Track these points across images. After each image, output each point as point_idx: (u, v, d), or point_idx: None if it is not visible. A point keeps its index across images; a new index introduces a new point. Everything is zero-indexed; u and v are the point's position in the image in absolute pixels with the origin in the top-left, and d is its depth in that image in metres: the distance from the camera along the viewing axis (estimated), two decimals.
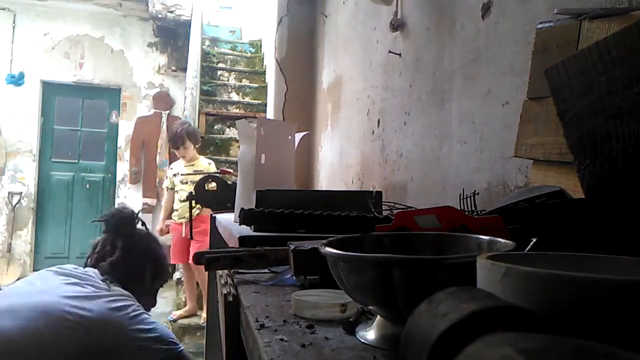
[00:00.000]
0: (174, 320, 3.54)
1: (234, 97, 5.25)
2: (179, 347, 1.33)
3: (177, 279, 3.90)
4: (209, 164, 3.56)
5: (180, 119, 5.27)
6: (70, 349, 1.14)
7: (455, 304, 0.29)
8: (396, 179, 2.00)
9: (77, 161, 6.28)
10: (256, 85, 5.36)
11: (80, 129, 6.38)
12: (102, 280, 1.31)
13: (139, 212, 1.46)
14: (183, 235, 3.45)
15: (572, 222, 0.60)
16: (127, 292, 1.33)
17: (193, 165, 3.50)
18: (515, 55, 1.24)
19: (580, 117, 0.62)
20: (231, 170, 2.89)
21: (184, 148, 3.47)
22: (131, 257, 1.39)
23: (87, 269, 1.37)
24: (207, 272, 1.50)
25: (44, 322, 1.14)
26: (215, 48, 6.07)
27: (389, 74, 2.12)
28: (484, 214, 0.75)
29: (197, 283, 3.61)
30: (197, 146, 3.61)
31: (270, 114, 4.07)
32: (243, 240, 0.97)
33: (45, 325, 1.14)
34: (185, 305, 3.70)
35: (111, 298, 1.26)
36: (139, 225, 1.48)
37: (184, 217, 3.36)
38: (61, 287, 1.24)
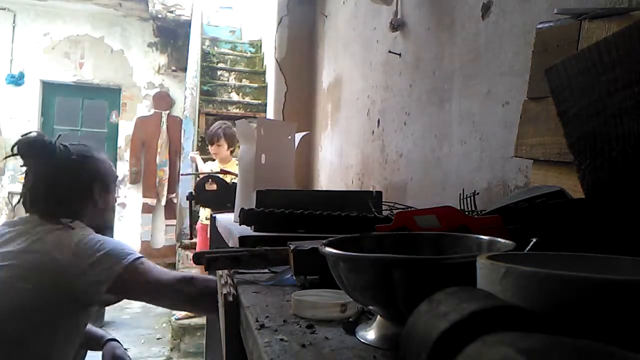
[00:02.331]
0: (178, 319, 3.54)
1: (234, 97, 5.25)
2: (134, 256, 1.18)
3: None
4: (236, 164, 3.56)
5: (180, 118, 5.28)
6: (18, 303, 1.07)
7: (455, 304, 0.29)
8: (396, 179, 2.00)
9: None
10: (256, 85, 5.36)
11: (80, 129, 6.38)
12: (39, 225, 1.18)
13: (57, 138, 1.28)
14: (208, 236, 3.48)
15: (572, 222, 0.60)
16: (66, 221, 1.19)
17: (226, 167, 3.52)
18: (515, 55, 1.24)
19: (580, 117, 0.62)
20: (231, 170, 2.89)
21: (217, 145, 3.54)
22: (62, 191, 1.23)
23: (25, 216, 1.24)
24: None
25: None
26: (215, 48, 6.07)
27: (389, 74, 2.12)
28: (484, 214, 0.75)
29: None
30: (231, 149, 3.65)
31: (270, 114, 4.07)
32: (243, 240, 0.97)
33: None
34: None
35: (49, 236, 1.14)
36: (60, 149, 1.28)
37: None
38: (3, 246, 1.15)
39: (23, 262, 1.10)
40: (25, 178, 1.27)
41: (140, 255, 1.21)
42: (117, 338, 1.45)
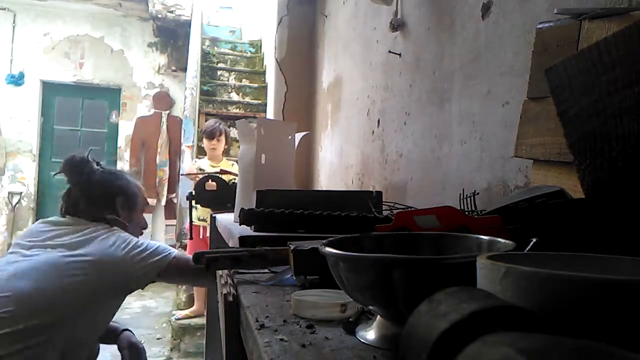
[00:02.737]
0: (179, 319, 3.54)
1: (234, 97, 5.25)
2: (172, 253, 1.42)
3: None
4: (232, 165, 3.57)
5: (180, 118, 5.27)
6: (84, 294, 1.26)
7: (455, 304, 0.29)
8: (396, 179, 2.00)
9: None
10: (256, 85, 5.36)
11: (80, 129, 6.38)
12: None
13: (88, 153, 1.49)
14: (201, 237, 3.47)
15: (572, 222, 0.60)
16: (107, 225, 1.42)
17: (219, 165, 3.52)
18: (515, 55, 1.24)
19: (580, 117, 0.62)
20: (231, 171, 2.89)
21: (217, 140, 3.58)
22: (94, 199, 1.45)
23: (66, 217, 1.44)
24: None
25: (53, 277, 1.23)
26: (215, 48, 6.07)
27: (389, 74, 2.12)
28: (484, 214, 0.75)
29: None
30: (226, 146, 3.70)
31: (270, 114, 4.07)
32: (243, 240, 0.97)
33: (55, 279, 1.23)
34: (185, 304, 3.70)
35: (102, 236, 1.35)
36: (95, 167, 1.50)
37: (205, 220, 3.39)
38: (52, 240, 1.33)
39: (81, 254, 1.29)
40: (67, 190, 1.50)
41: (173, 250, 1.45)
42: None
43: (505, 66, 1.28)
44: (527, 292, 0.30)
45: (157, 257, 1.39)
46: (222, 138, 3.59)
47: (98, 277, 1.29)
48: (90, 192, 1.45)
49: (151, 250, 1.40)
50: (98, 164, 1.51)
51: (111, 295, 1.36)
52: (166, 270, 1.39)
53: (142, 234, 1.58)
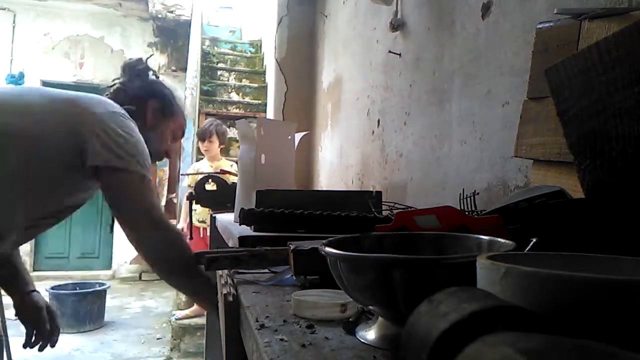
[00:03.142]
0: (179, 319, 3.54)
1: (234, 97, 5.25)
2: (146, 172, 1.15)
3: None
4: (231, 165, 3.57)
5: None
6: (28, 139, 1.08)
7: (455, 304, 0.29)
8: (396, 179, 2.00)
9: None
10: (256, 85, 5.36)
11: None
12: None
13: (147, 58, 1.44)
14: (201, 235, 3.48)
15: (572, 222, 0.60)
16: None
17: (217, 165, 3.53)
18: (515, 55, 1.24)
19: (580, 117, 0.62)
20: (231, 171, 2.89)
21: (209, 142, 3.58)
22: (132, 92, 1.34)
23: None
24: None
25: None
26: (215, 48, 6.07)
27: (389, 74, 2.12)
28: (484, 214, 0.75)
29: None
30: (222, 146, 3.70)
31: (270, 114, 4.07)
32: (243, 240, 0.97)
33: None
34: (185, 304, 3.70)
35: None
36: (149, 72, 1.43)
37: (204, 222, 3.40)
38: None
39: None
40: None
41: (149, 176, 1.16)
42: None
43: (505, 66, 1.28)
44: (527, 292, 0.30)
45: (122, 150, 1.11)
46: (214, 139, 3.59)
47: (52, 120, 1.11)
48: (132, 87, 1.35)
49: (134, 141, 1.14)
50: (154, 72, 1.43)
51: (57, 157, 1.11)
52: (109, 177, 1.12)
53: (160, 159, 1.40)
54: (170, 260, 1.14)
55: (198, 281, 1.15)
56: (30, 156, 1.09)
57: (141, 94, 1.35)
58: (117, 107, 1.21)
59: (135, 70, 1.41)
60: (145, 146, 1.19)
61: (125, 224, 1.14)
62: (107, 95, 1.34)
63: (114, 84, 1.40)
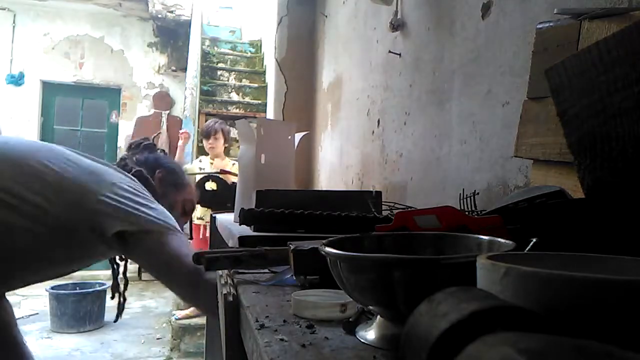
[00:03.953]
0: (179, 319, 3.54)
1: (234, 97, 5.25)
2: (173, 225, 1.15)
3: None
4: (233, 164, 3.58)
5: (180, 118, 5.28)
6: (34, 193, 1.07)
7: (455, 304, 0.29)
8: (396, 179, 2.00)
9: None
10: (256, 85, 5.36)
11: (80, 129, 6.38)
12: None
13: (154, 137, 1.45)
14: (201, 237, 3.48)
15: (572, 222, 0.60)
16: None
17: (222, 165, 3.54)
18: (515, 55, 1.24)
19: (580, 117, 0.62)
20: (232, 170, 2.89)
21: (214, 138, 3.60)
22: (139, 163, 1.34)
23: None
24: None
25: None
26: (215, 48, 6.07)
27: (389, 74, 2.12)
28: (484, 214, 0.75)
29: None
30: (226, 145, 3.72)
31: (270, 114, 4.07)
32: (243, 240, 0.97)
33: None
34: (185, 304, 3.70)
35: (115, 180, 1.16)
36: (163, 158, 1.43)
37: (202, 219, 3.40)
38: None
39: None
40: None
41: (180, 231, 1.17)
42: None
43: (505, 66, 1.28)
44: (527, 292, 0.30)
45: (152, 217, 1.11)
46: (219, 136, 3.62)
47: (55, 198, 1.08)
48: (141, 163, 1.34)
49: (151, 205, 1.13)
50: (162, 150, 1.45)
51: (62, 228, 1.10)
52: (135, 239, 1.11)
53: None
54: (208, 303, 1.09)
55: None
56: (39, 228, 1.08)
57: (148, 164, 1.35)
58: (124, 175, 1.21)
59: (141, 145, 1.42)
60: (166, 212, 1.20)
61: (164, 283, 1.18)
62: (114, 164, 1.31)
63: (121, 159, 1.37)
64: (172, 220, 1.17)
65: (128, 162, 1.32)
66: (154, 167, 1.35)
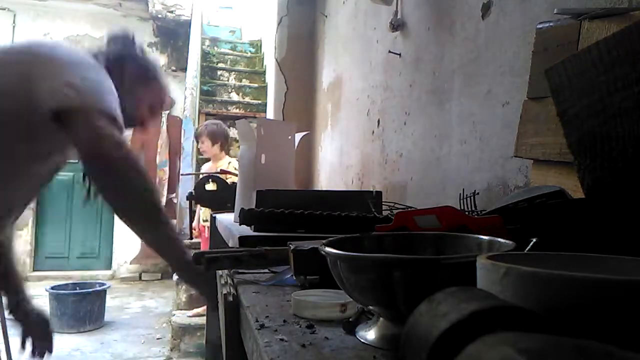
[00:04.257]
0: (190, 317, 3.56)
1: (234, 97, 5.25)
2: (110, 110, 1.03)
3: (177, 279, 3.90)
4: (229, 163, 3.57)
5: (180, 118, 5.28)
6: None
7: (455, 304, 0.29)
8: (396, 179, 2.00)
9: (77, 161, 6.27)
10: (256, 85, 5.36)
11: None
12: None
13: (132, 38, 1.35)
14: (206, 236, 3.51)
15: (572, 222, 0.60)
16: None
17: (220, 165, 3.54)
18: (515, 55, 1.24)
19: (580, 117, 0.62)
20: (231, 170, 2.89)
21: (201, 142, 3.65)
22: (111, 55, 1.25)
23: None
24: None
25: None
26: (215, 48, 6.07)
27: (389, 74, 2.12)
28: (484, 214, 0.75)
29: None
30: (216, 145, 3.66)
31: (270, 114, 4.07)
32: (243, 240, 0.97)
33: None
34: (185, 304, 3.70)
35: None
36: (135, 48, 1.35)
37: (208, 221, 3.42)
38: None
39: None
40: None
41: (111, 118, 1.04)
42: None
43: (505, 66, 1.28)
44: (527, 292, 0.30)
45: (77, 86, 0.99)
46: (205, 139, 3.59)
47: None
48: (108, 48, 1.27)
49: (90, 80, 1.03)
50: (142, 50, 1.35)
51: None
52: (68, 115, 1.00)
53: (132, 125, 1.29)
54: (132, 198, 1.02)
55: (160, 232, 0.97)
56: None
57: (119, 57, 1.27)
58: (85, 55, 1.13)
59: (118, 37, 1.33)
60: (113, 89, 1.09)
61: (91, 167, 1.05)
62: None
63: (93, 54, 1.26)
64: (111, 101, 1.06)
65: (99, 56, 1.24)
66: (124, 60, 1.28)
